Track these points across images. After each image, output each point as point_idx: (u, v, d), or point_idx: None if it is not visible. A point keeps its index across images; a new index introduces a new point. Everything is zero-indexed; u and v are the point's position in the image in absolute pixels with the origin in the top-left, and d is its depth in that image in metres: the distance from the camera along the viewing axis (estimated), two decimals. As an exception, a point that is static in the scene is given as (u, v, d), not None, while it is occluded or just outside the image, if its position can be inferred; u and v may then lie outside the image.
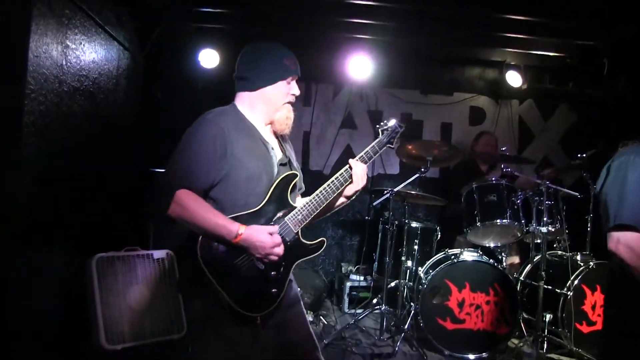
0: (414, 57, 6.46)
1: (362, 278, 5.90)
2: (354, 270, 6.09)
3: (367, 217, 6.33)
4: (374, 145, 2.57)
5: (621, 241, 2.22)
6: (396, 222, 5.25)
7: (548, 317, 4.42)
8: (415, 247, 5.20)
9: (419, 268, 5.00)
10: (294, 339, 2.45)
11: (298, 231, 2.37)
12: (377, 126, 2.66)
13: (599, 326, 4.46)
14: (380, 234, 5.53)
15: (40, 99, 3.16)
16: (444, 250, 4.93)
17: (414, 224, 5.25)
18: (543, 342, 4.35)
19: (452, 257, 4.70)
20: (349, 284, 5.84)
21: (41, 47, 3.09)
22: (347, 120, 6.66)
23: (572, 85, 6.58)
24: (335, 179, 2.46)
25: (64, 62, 3.46)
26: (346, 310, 5.77)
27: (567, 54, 5.95)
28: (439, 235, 5.33)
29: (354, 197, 2.62)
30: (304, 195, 2.65)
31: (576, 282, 4.45)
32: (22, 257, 3.18)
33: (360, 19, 5.07)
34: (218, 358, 2.26)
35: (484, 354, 4.49)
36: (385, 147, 2.63)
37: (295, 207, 2.38)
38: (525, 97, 6.92)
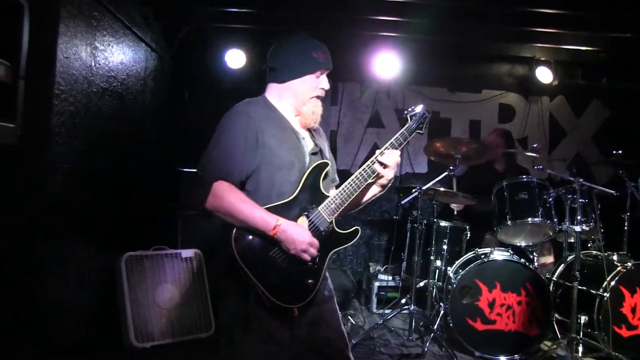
0: (441, 54, 6.38)
1: (390, 278, 5.84)
2: (382, 270, 6.03)
3: (395, 217, 6.27)
4: (403, 132, 2.52)
5: None
6: (425, 221, 5.18)
7: (583, 319, 4.28)
8: (445, 246, 5.11)
9: (448, 267, 4.91)
10: (326, 335, 2.42)
11: (332, 221, 2.35)
12: (405, 112, 2.61)
13: (641, 330, 4.32)
14: (408, 233, 5.46)
15: (70, 100, 3.20)
16: (474, 250, 4.84)
17: (443, 223, 5.16)
18: (578, 345, 4.23)
19: (482, 256, 4.61)
20: (377, 283, 5.79)
21: (71, 48, 3.13)
22: (374, 118, 6.62)
23: (606, 80, 6.43)
24: (367, 166, 2.41)
25: (92, 64, 3.50)
26: (374, 310, 5.72)
27: (600, 47, 5.80)
28: (469, 235, 5.25)
29: (389, 186, 2.56)
30: (337, 187, 2.61)
31: (613, 283, 4.30)
32: (52, 255, 3.22)
33: (387, 16, 5.02)
34: (255, 353, 2.24)
35: (515, 355, 4.38)
36: (414, 133, 2.58)
37: (328, 196, 2.36)
38: (556, 93, 6.79)
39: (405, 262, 5.48)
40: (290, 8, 5.11)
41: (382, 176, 2.45)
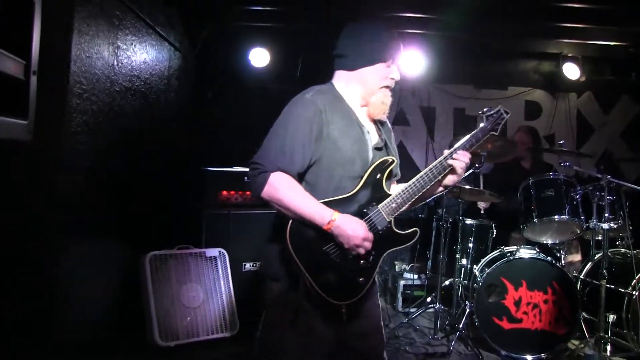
0: (466, 51, 6.32)
1: (416, 276, 5.80)
2: (407, 268, 5.99)
3: (420, 215, 6.21)
4: (476, 133, 2.43)
5: None
6: (450, 219, 5.14)
7: (611, 317, 4.19)
8: (470, 244, 5.05)
9: (474, 266, 4.86)
10: (365, 329, 2.38)
11: (391, 220, 2.28)
12: (480, 112, 2.50)
13: (671, 329, 4.21)
14: (434, 232, 5.43)
15: (93, 99, 3.23)
16: (500, 248, 4.78)
17: (468, 221, 5.10)
18: (606, 344, 4.13)
19: (508, 254, 4.54)
20: (402, 282, 5.75)
21: (92, 47, 3.16)
22: (399, 116, 6.57)
23: (635, 76, 6.30)
24: (434, 167, 2.34)
25: (115, 63, 3.53)
26: (400, 309, 5.68)
27: (628, 42, 5.68)
28: (495, 233, 5.18)
29: (451, 187, 2.50)
30: (399, 182, 2.56)
31: (642, 281, 4.22)
32: (79, 252, 3.25)
33: (412, 13, 4.99)
34: (292, 343, 2.22)
35: (542, 354, 4.31)
36: (488, 135, 2.47)
37: (390, 195, 2.29)
38: (583, 89, 6.69)
39: (430, 261, 5.44)
40: (314, 6, 5.10)
41: (449, 176, 2.38)
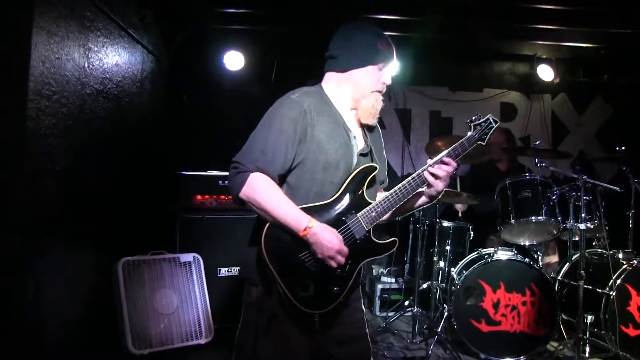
0: (442, 53, 6.33)
1: (393, 280, 5.79)
2: (385, 272, 5.98)
3: (397, 218, 6.18)
4: (463, 142, 2.36)
5: None
6: (427, 222, 5.13)
7: (589, 318, 4.19)
8: (448, 247, 5.05)
9: (452, 268, 4.85)
10: (345, 336, 2.33)
11: (370, 229, 2.22)
12: (468, 120, 2.44)
13: (648, 329, 4.25)
14: (411, 234, 5.40)
15: (63, 101, 3.13)
16: (477, 250, 4.78)
17: (445, 223, 5.10)
18: (585, 345, 4.14)
19: (486, 256, 4.54)
20: (380, 286, 5.73)
21: (62, 49, 3.06)
22: (374, 119, 6.54)
23: (608, 77, 6.39)
24: (417, 176, 2.28)
25: (86, 65, 3.43)
26: (377, 313, 5.67)
27: (601, 44, 5.75)
28: (472, 235, 5.18)
29: (439, 197, 2.41)
30: (387, 189, 2.50)
31: (619, 281, 4.24)
32: (49, 258, 3.16)
33: (388, 15, 4.97)
34: (267, 350, 2.18)
35: (521, 357, 4.31)
36: (476, 144, 2.40)
37: (370, 203, 2.24)
38: (557, 91, 6.78)
39: (408, 264, 5.42)
40: (290, 8, 5.06)
41: (431, 186, 2.31)
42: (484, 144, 2.42)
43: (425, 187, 2.33)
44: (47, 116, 2.96)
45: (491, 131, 2.42)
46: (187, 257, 4.42)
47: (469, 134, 2.40)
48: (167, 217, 4.67)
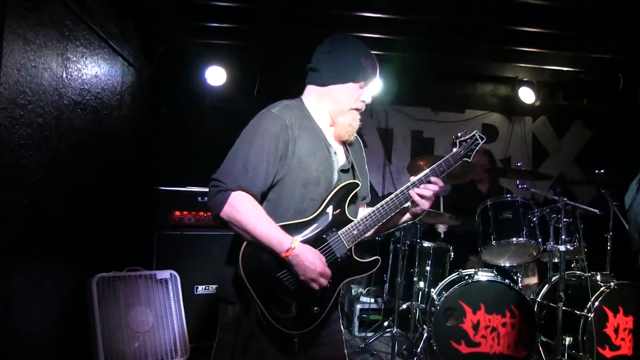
0: (424, 74, 6.38)
1: (372, 300, 5.74)
2: (364, 292, 5.93)
3: (377, 238, 6.17)
4: (448, 159, 2.31)
5: None
6: (408, 242, 5.10)
7: (568, 340, 4.21)
8: (428, 267, 5.02)
9: (432, 289, 4.82)
10: (323, 357, 2.27)
11: (351, 247, 2.17)
12: (454, 137, 2.39)
13: (624, 351, 4.25)
14: (391, 254, 5.38)
15: (38, 111, 3.05)
16: (458, 271, 4.75)
17: (426, 244, 5.08)
18: (563, 367, 4.15)
19: (466, 277, 4.52)
20: (359, 306, 5.67)
21: (40, 57, 3.00)
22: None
23: (587, 102, 6.48)
24: (401, 193, 2.23)
25: (64, 75, 3.36)
26: (356, 333, 5.59)
27: (581, 68, 5.84)
28: (452, 255, 5.16)
29: (422, 215, 2.37)
30: (369, 205, 2.47)
31: (597, 303, 4.24)
32: (20, 275, 3.06)
33: (370, 33, 4.98)
34: None
35: (501, 379, 4.28)
36: (461, 161, 2.36)
37: (352, 221, 2.19)
38: (538, 114, 6.86)
39: (387, 284, 5.38)
40: (272, 24, 5.05)
41: (416, 205, 2.27)
42: (469, 160, 2.38)
43: (410, 205, 2.29)
44: (22, 126, 2.88)
45: (477, 147, 2.39)
46: (164, 274, 4.33)
47: (455, 150, 2.36)
48: (144, 232, 4.59)
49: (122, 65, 4.55)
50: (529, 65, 5.88)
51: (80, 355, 3.83)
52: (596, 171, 4.71)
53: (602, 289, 4.31)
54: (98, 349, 3.76)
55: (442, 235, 5.34)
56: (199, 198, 4.70)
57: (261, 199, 2.16)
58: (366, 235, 2.22)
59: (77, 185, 3.75)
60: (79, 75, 3.61)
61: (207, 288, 4.64)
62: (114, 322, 3.93)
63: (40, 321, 3.36)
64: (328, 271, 2.06)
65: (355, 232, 2.17)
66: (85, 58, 3.70)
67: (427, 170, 2.28)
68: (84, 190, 3.90)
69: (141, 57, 5.06)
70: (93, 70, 3.87)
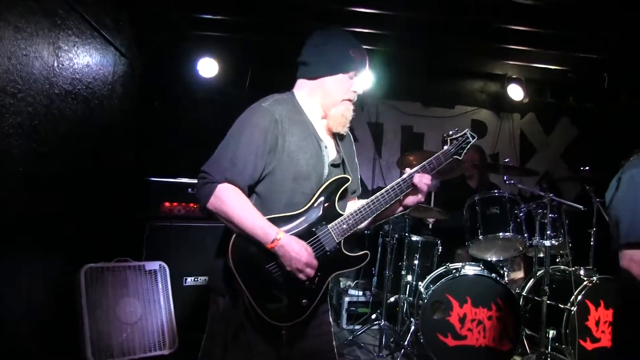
0: (415, 69, 6.40)
1: (360, 293, 5.78)
2: (352, 285, 5.97)
3: (366, 231, 6.20)
4: (439, 156, 2.35)
5: (635, 259, 2.14)
6: (396, 236, 5.14)
7: (551, 333, 4.28)
8: (416, 261, 5.07)
9: (419, 282, 4.87)
10: (312, 349, 2.28)
11: (340, 241, 2.19)
12: (445, 135, 2.43)
13: (603, 343, 4.32)
14: (379, 248, 5.41)
15: (29, 100, 3.04)
16: (445, 265, 4.81)
17: (414, 238, 5.13)
18: (546, 359, 4.21)
19: (454, 271, 4.57)
20: (347, 299, 5.71)
21: (31, 45, 2.99)
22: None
23: (573, 99, 6.55)
24: (392, 188, 2.26)
25: (55, 64, 3.35)
26: (344, 326, 5.63)
27: (568, 67, 5.90)
28: (440, 249, 5.21)
29: (412, 208, 2.41)
30: (360, 197, 2.50)
31: (580, 297, 4.30)
32: (8, 264, 3.05)
33: (362, 28, 4.99)
34: None
35: (486, 371, 4.34)
36: (452, 159, 2.40)
37: (342, 215, 2.21)
38: (526, 110, 6.92)
39: (376, 277, 5.42)
40: (264, 17, 5.05)
41: (409, 198, 2.31)
42: (460, 158, 2.42)
43: (401, 197, 2.31)
44: (12, 114, 2.88)
45: (468, 146, 2.43)
46: (153, 265, 4.32)
47: (445, 147, 2.39)
48: (133, 223, 4.58)
49: (114, 55, 4.54)
50: (518, 63, 5.93)
51: (67, 345, 3.82)
52: (581, 168, 4.78)
53: (585, 283, 4.37)
54: (85, 339, 3.75)
55: (430, 227, 5.39)
56: (190, 189, 4.70)
57: (251, 192, 2.18)
58: (356, 229, 2.24)
59: (66, 175, 3.74)
60: (70, 64, 3.60)
61: (196, 279, 4.65)
62: (102, 313, 3.93)
63: (27, 312, 3.36)
64: (314, 261, 2.08)
65: (345, 226, 2.19)
66: (77, 47, 3.69)
67: (417, 167, 2.30)
68: (74, 180, 3.89)
69: (134, 47, 5.04)
70: (85, 59, 3.86)
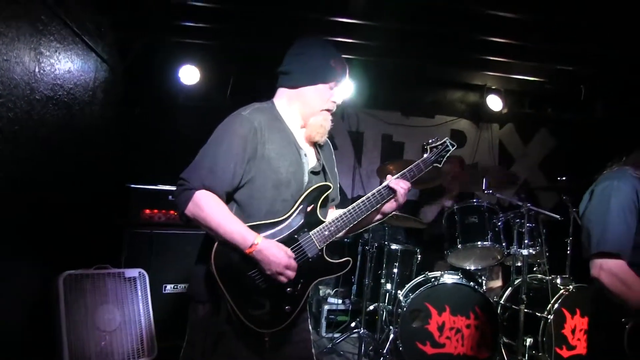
0: (396, 78, 6.46)
1: (340, 301, 5.79)
2: (332, 293, 5.97)
3: (346, 239, 6.24)
4: (419, 164, 2.40)
5: (604, 268, 2.19)
6: (376, 244, 5.18)
7: (529, 341, 4.34)
8: (395, 269, 5.11)
9: (399, 291, 4.90)
10: (292, 356, 2.31)
11: (322, 248, 2.21)
12: (425, 143, 2.49)
13: (579, 350, 4.39)
14: (359, 256, 5.45)
15: (9, 105, 3.01)
16: (424, 273, 4.85)
17: (393, 246, 5.17)
18: (523, 367, 4.27)
19: (432, 279, 4.62)
20: (326, 307, 5.72)
21: (12, 50, 2.96)
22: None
23: (551, 110, 6.65)
24: (372, 195, 2.30)
25: (36, 69, 3.32)
26: (324, 334, 5.64)
27: (546, 78, 6.00)
28: (419, 258, 5.25)
29: (390, 216, 2.46)
30: (338, 207, 2.52)
31: (556, 305, 4.37)
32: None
33: (343, 38, 5.03)
34: None
35: (464, 379, 4.38)
36: (431, 166, 2.45)
37: (324, 222, 2.23)
38: (505, 121, 7.01)
39: (355, 285, 5.45)
40: (247, 26, 5.07)
41: (387, 205, 2.36)
42: (440, 166, 2.47)
43: (380, 206, 2.35)
44: (-8, 119, 2.86)
45: (447, 154, 2.48)
46: (133, 272, 4.30)
47: (425, 156, 2.45)
48: (113, 230, 4.55)
49: (96, 61, 4.51)
50: (497, 74, 6.01)
51: (45, 353, 3.77)
52: (558, 178, 4.87)
53: (561, 291, 4.44)
54: (63, 347, 3.71)
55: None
56: (170, 197, 4.69)
57: (230, 200, 2.19)
58: (337, 236, 2.26)
59: (46, 181, 3.71)
60: (52, 70, 3.58)
61: (175, 287, 4.63)
62: (81, 320, 3.89)
63: (4, 318, 3.31)
64: (294, 263, 2.09)
65: (326, 232, 2.21)
66: (59, 53, 3.67)
67: (398, 175, 2.35)
68: (54, 187, 3.85)
69: (115, 53, 5.02)
70: (66, 65, 3.83)
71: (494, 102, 6.34)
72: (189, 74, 5.70)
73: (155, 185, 4.73)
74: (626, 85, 5.77)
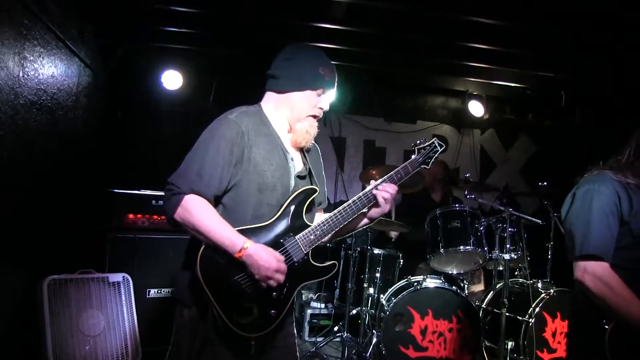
0: (378, 84, 6.52)
1: (323, 305, 5.82)
2: (314, 297, 6.00)
3: (328, 244, 6.24)
4: (406, 165, 2.40)
5: (588, 271, 2.20)
6: (358, 249, 5.20)
7: (510, 344, 4.39)
8: (378, 274, 5.14)
9: (381, 295, 4.93)
10: (281, 359, 2.32)
11: (308, 252, 2.21)
12: (413, 144, 2.48)
13: (559, 353, 4.46)
14: (342, 261, 5.46)
15: (-7, 110, 3.01)
16: (407, 277, 4.88)
17: (376, 251, 5.20)
18: (504, 370, 4.32)
19: (415, 284, 4.65)
20: (309, 311, 5.74)
21: (-4, 55, 2.96)
22: (309, 145, 6.62)
23: (532, 116, 6.74)
24: (358, 199, 2.30)
25: (20, 74, 3.31)
26: (306, 338, 5.66)
27: (526, 85, 6.09)
28: (402, 262, 5.29)
29: (377, 220, 2.46)
30: (325, 211, 2.52)
31: (537, 309, 4.43)
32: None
33: (325, 43, 5.07)
34: None
35: (446, 382, 4.42)
36: (419, 168, 2.45)
37: (309, 226, 2.23)
38: (487, 126, 7.09)
39: (338, 290, 5.46)
40: (230, 32, 5.08)
41: (377, 207, 2.36)
42: (428, 167, 2.47)
43: (367, 209, 2.36)
44: (-23, 125, 2.84)
45: (436, 155, 2.48)
46: (116, 277, 4.28)
47: (413, 157, 2.45)
48: (97, 235, 4.53)
49: (79, 66, 4.50)
50: (478, 80, 6.09)
51: (28, 358, 3.75)
52: (539, 183, 4.94)
53: (542, 295, 4.51)
54: (47, 352, 3.69)
55: (393, 240, 5.47)
56: (153, 201, 4.67)
57: (218, 203, 2.19)
58: (323, 240, 2.27)
59: (30, 185, 3.69)
60: (36, 75, 3.56)
61: (159, 291, 4.61)
62: (65, 325, 3.87)
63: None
64: (283, 266, 2.09)
65: (312, 237, 2.22)
66: (43, 58, 3.65)
67: (385, 177, 2.36)
68: (37, 191, 3.83)
69: (98, 58, 5.00)
70: (50, 70, 3.82)
71: (476, 108, 6.42)
72: (172, 79, 5.71)
73: (139, 190, 4.71)
74: (605, 92, 5.88)
